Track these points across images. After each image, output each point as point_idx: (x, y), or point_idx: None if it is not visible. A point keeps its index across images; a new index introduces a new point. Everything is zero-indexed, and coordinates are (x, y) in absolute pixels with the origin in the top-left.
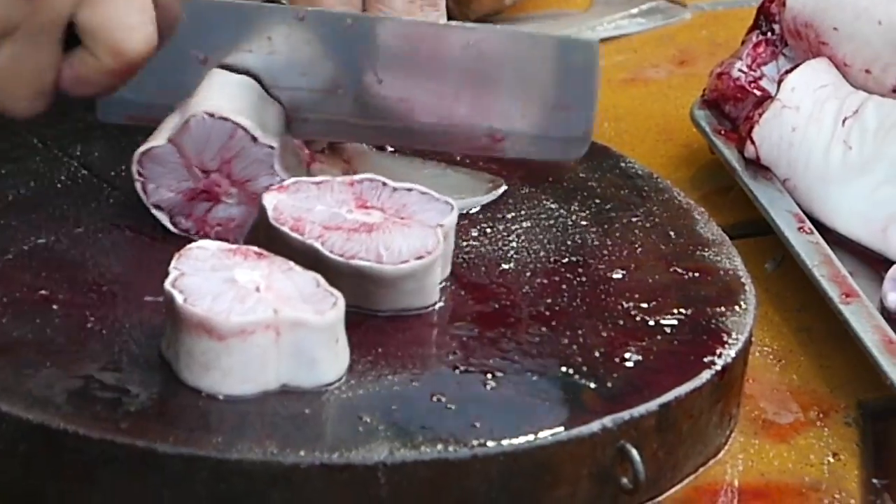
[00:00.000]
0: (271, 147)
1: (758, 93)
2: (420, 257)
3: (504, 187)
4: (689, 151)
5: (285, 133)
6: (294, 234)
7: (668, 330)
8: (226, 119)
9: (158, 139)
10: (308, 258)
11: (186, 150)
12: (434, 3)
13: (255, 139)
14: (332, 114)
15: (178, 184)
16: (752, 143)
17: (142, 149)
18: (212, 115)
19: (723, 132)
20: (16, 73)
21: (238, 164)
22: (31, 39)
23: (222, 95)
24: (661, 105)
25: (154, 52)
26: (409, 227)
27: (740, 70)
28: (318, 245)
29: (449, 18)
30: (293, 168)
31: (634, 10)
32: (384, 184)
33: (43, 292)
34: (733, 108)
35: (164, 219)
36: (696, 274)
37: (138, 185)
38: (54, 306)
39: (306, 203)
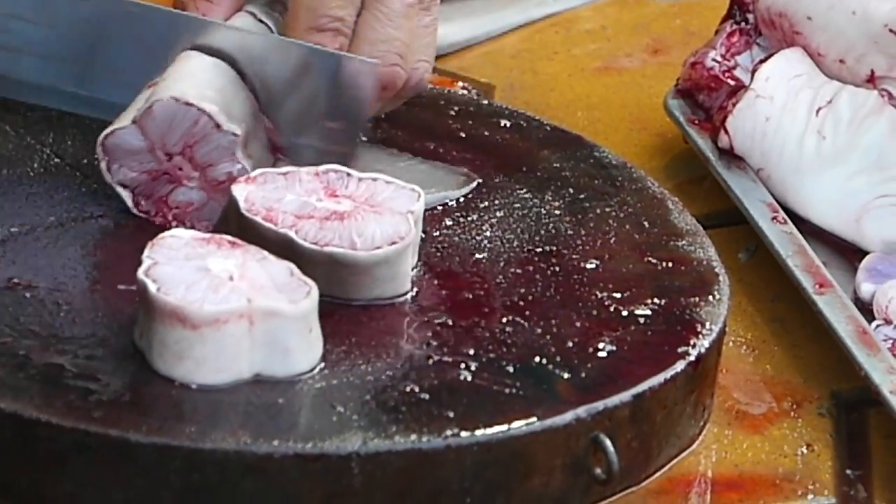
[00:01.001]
0: (234, 135)
1: (731, 82)
2: (393, 243)
3: (477, 181)
4: (662, 141)
5: (254, 119)
6: (267, 224)
7: (641, 320)
8: (190, 104)
9: (123, 120)
10: (282, 247)
11: (150, 133)
12: (428, 8)
13: (218, 126)
14: None
15: (141, 165)
16: (726, 132)
17: (107, 130)
18: (177, 100)
19: (696, 122)
20: None
21: (200, 149)
22: None
23: (191, 79)
24: (634, 94)
25: None
26: (381, 214)
27: (714, 59)
28: (291, 234)
29: None
30: (258, 156)
31: None
32: (349, 174)
33: (16, 280)
34: (707, 97)
35: (127, 197)
36: (670, 264)
37: (102, 165)
38: (27, 294)
39: (276, 193)
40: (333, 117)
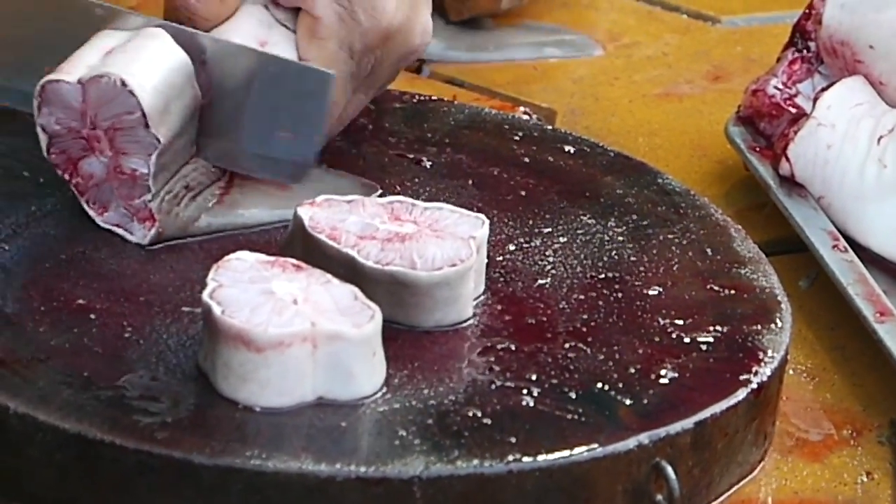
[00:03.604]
0: (157, 140)
1: (793, 110)
2: (454, 265)
3: (379, 191)
4: (723, 168)
5: (192, 121)
6: (331, 243)
7: (704, 347)
8: (133, 94)
9: (71, 74)
10: (344, 267)
11: (88, 98)
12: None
13: (147, 126)
14: None
15: (67, 120)
16: (787, 160)
17: (53, 76)
18: (124, 85)
19: (757, 149)
20: None
21: (122, 136)
22: None
23: (146, 65)
24: (695, 121)
25: None
26: (443, 238)
27: (776, 87)
28: (353, 253)
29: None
30: (167, 165)
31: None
32: (413, 203)
33: (80, 301)
34: (768, 125)
35: (43, 141)
36: (733, 291)
37: (35, 102)
38: (92, 315)
39: (340, 215)
40: (289, 127)
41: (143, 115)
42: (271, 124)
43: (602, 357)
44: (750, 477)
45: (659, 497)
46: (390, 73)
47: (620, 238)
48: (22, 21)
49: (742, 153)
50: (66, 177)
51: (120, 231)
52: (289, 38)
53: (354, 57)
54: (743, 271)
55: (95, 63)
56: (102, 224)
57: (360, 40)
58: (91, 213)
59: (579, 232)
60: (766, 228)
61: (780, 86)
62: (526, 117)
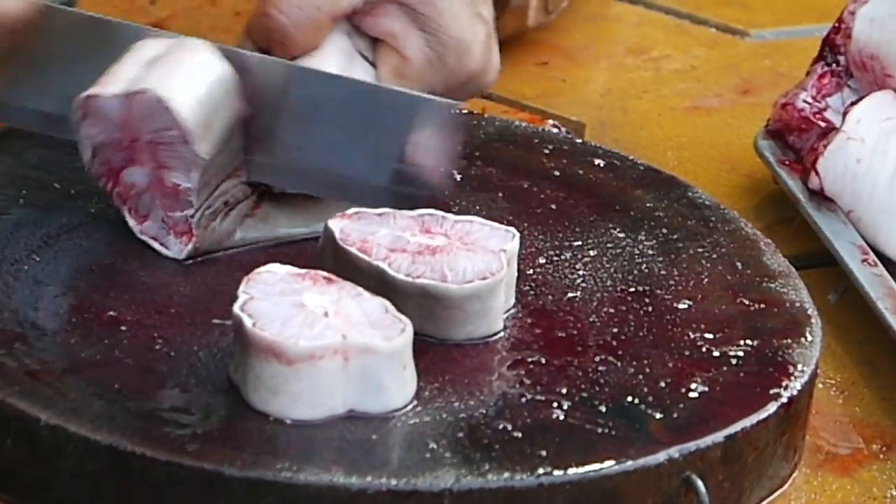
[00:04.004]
0: (200, 157)
1: (822, 124)
2: (484, 278)
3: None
4: (752, 181)
5: (231, 133)
6: (361, 255)
7: (734, 361)
8: (172, 111)
9: (112, 87)
10: (375, 279)
11: (128, 113)
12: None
13: (188, 142)
14: None
15: (109, 133)
16: (817, 174)
17: (95, 90)
18: (160, 101)
19: (787, 163)
20: None
21: (165, 150)
22: None
23: (186, 80)
24: (724, 134)
25: (27, 17)
26: (474, 251)
27: (805, 101)
28: (384, 266)
29: None
30: (210, 181)
31: None
32: (444, 216)
33: (111, 313)
34: (797, 138)
35: (86, 152)
36: (763, 305)
37: (75, 117)
38: (122, 327)
39: (370, 227)
40: (413, 159)
41: (185, 132)
42: (386, 153)
43: (632, 371)
44: (780, 491)
45: None
46: None
47: (650, 252)
48: (47, 42)
49: (771, 167)
50: (108, 186)
51: (156, 245)
52: (368, 73)
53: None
54: (773, 285)
55: (136, 75)
56: (140, 234)
57: (444, 83)
58: (131, 222)
59: (609, 245)
60: (795, 242)
61: (810, 100)
62: (555, 130)
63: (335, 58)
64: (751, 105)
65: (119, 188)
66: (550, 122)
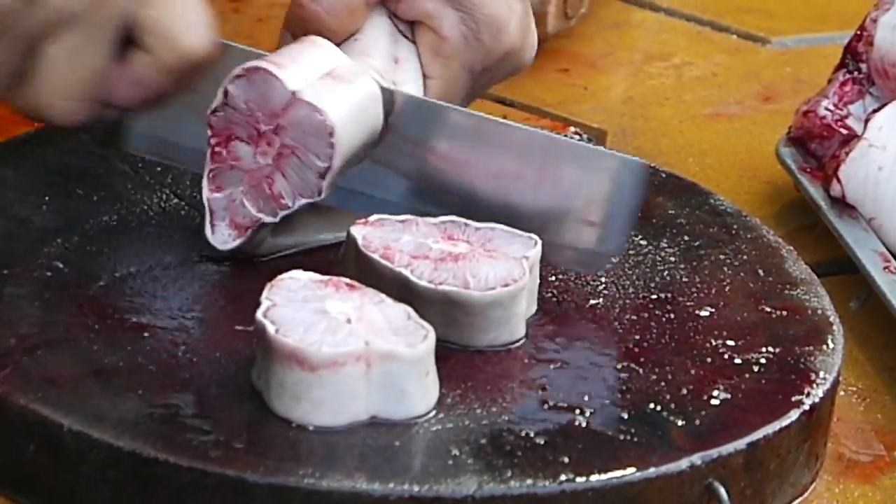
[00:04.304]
0: (321, 191)
1: (844, 131)
2: (507, 285)
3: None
4: (773, 188)
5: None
6: (384, 262)
7: (756, 368)
8: (333, 147)
9: (291, 81)
10: (397, 286)
11: (290, 113)
12: None
13: (321, 176)
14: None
15: (257, 108)
16: (838, 181)
17: (275, 69)
18: (332, 135)
19: (808, 170)
20: (69, 68)
21: (293, 161)
22: (89, 33)
23: (356, 118)
24: (745, 141)
25: (212, 55)
26: (496, 258)
27: (826, 108)
28: (406, 273)
29: None
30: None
31: None
32: (466, 223)
33: (134, 320)
34: (819, 146)
35: (218, 102)
36: (785, 312)
37: (237, 71)
38: (145, 334)
39: (393, 234)
40: (595, 218)
41: (328, 169)
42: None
43: (654, 378)
44: (801, 498)
45: None
46: (492, 85)
47: (672, 259)
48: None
49: (793, 174)
50: (214, 141)
51: (207, 225)
52: (413, 52)
53: (474, 76)
54: (795, 292)
55: (312, 81)
56: (204, 200)
57: (482, 61)
58: (205, 187)
59: (631, 252)
60: (816, 250)
61: (831, 107)
62: (577, 137)
63: (378, 36)
64: (772, 112)
65: (223, 150)
66: (572, 129)
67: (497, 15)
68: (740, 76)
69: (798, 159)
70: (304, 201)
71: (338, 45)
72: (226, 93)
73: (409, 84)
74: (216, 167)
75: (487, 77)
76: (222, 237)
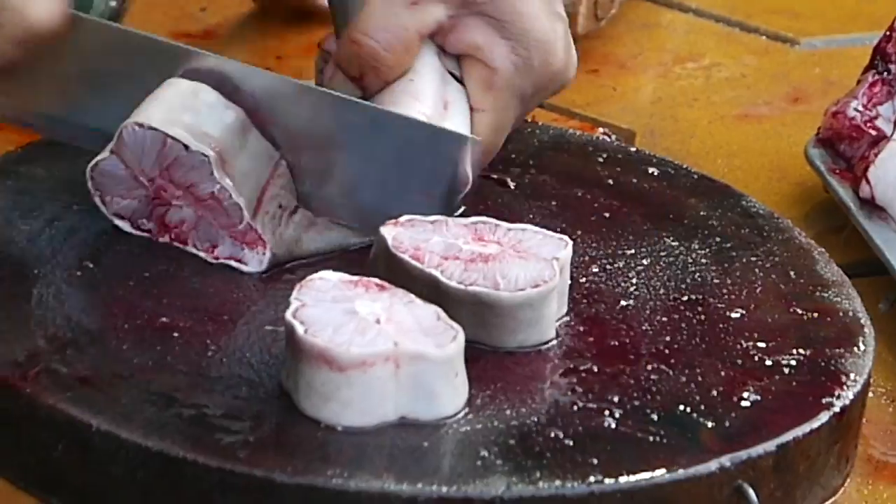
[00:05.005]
0: (204, 155)
1: (873, 132)
2: (537, 286)
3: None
4: (802, 190)
5: (243, 137)
6: (414, 263)
7: (786, 370)
8: (155, 129)
9: (104, 152)
10: (427, 287)
11: (127, 160)
12: None
13: (186, 147)
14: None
15: (130, 191)
16: (868, 182)
17: (91, 163)
18: (141, 126)
19: (837, 171)
20: None
21: (177, 171)
22: None
23: (160, 105)
24: (774, 142)
25: (60, 28)
26: (526, 259)
27: (856, 109)
28: (437, 273)
29: None
30: (243, 178)
31: None
32: (497, 224)
33: (164, 319)
34: (848, 147)
35: (125, 226)
36: (816, 314)
37: (96, 199)
38: (175, 334)
39: (423, 235)
40: (424, 188)
41: (175, 139)
42: (399, 182)
43: (684, 379)
44: (831, 500)
45: None
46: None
47: (704, 260)
48: (80, 56)
49: (822, 175)
50: (165, 238)
51: (234, 264)
52: (460, 92)
53: (524, 103)
54: (826, 294)
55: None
56: (215, 262)
57: (532, 86)
58: (205, 256)
59: (663, 254)
60: (845, 251)
61: (861, 108)
62: (607, 138)
63: (431, 78)
64: (801, 113)
65: (174, 231)
66: (601, 129)
67: (546, 39)
68: (769, 77)
69: (827, 160)
70: (216, 172)
71: (391, 82)
72: (117, 220)
73: (459, 127)
74: (191, 243)
75: (536, 100)
76: (256, 261)
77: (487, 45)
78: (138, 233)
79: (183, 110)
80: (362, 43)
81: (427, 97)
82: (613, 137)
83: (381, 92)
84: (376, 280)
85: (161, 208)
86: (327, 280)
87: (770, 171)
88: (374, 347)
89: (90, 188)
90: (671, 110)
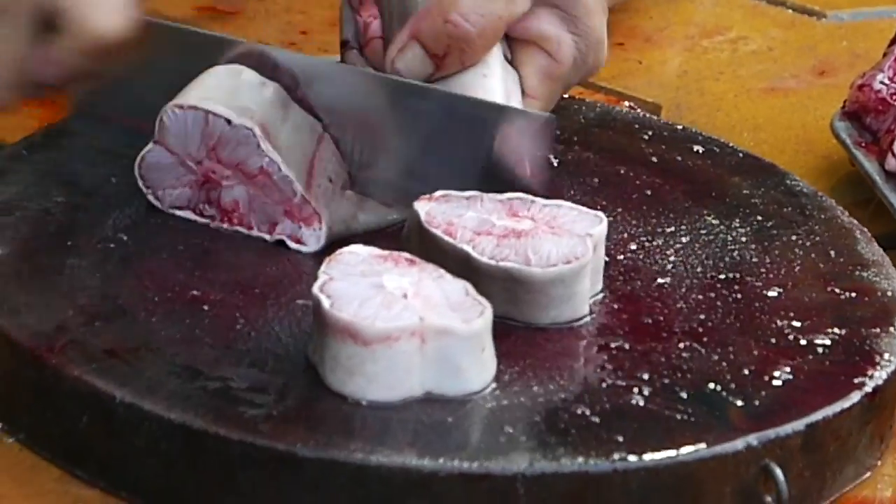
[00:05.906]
0: (247, 128)
1: None
2: (569, 262)
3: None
4: (828, 163)
5: (285, 111)
6: (446, 238)
7: (820, 350)
8: (195, 108)
9: (149, 144)
10: (459, 262)
11: (172, 146)
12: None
13: (229, 122)
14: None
15: (180, 179)
16: (894, 155)
17: (138, 158)
18: (181, 107)
19: (863, 144)
20: None
21: (223, 149)
22: (8, 21)
23: (196, 87)
24: (800, 116)
25: (129, 37)
26: (559, 235)
27: (882, 82)
28: (468, 249)
29: None
30: (289, 149)
31: None
32: (532, 200)
33: (195, 293)
34: (874, 120)
35: (188, 215)
36: (853, 294)
37: (150, 197)
38: (205, 307)
39: (457, 210)
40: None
41: (217, 115)
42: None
43: (716, 357)
44: (861, 479)
45: (768, 499)
46: None
47: (743, 239)
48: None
49: (848, 148)
50: (224, 223)
51: (294, 245)
52: (515, 82)
53: (566, 91)
54: (865, 274)
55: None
56: (275, 239)
57: (579, 80)
58: (267, 237)
59: (702, 232)
60: (871, 224)
61: (887, 81)
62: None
63: (500, 75)
64: (827, 86)
65: (233, 216)
66: (626, 103)
67: (601, 38)
68: (796, 50)
69: (853, 133)
70: (264, 144)
71: (467, 67)
72: (159, 197)
73: None
74: (251, 224)
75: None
76: (314, 238)
77: (556, 37)
78: (203, 220)
79: (220, 89)
80: (458, 24)
81: (497, 95)
82: (638, 110)
83: (449, 82)
84: (406, 255)
85: (214, 192)
86: (357, 254)
87: (796, 144)
88: (400, 322)
89: (141, 186)
90: (697, 84)
